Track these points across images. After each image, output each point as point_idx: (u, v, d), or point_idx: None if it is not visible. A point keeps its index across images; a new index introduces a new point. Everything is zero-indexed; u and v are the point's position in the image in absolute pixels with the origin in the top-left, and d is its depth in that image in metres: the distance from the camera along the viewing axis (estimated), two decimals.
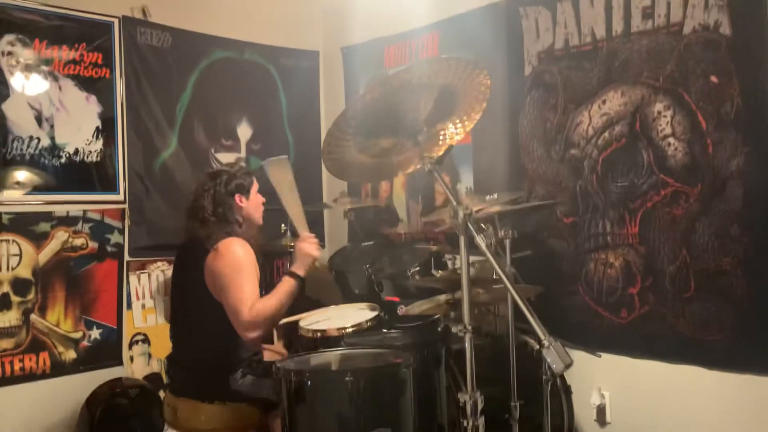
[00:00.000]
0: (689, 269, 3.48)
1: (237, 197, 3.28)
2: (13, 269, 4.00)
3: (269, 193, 3.41)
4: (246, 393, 3.14)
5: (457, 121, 2.52)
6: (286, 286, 3.12)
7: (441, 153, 2.52)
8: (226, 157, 4.93)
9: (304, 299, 4.59)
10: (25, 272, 4.04)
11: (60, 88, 4.19)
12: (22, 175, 4.05)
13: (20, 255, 4.03)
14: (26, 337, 4.03)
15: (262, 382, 3.12)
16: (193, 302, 3.20)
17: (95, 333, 4.29)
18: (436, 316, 3.51)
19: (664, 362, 3.59)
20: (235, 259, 3.08)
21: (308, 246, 3.21)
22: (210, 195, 3.25)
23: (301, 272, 3.16)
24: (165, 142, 4.65)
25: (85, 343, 4.25)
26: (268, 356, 3.45)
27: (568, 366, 1.95)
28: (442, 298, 3.32)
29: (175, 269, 3.50)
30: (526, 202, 4.07)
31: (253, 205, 3.35)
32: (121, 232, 4.42)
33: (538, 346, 3.42)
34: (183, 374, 3.27)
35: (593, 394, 3.85)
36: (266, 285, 3.63)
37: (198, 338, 3.20)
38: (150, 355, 4.52)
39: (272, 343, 4.15)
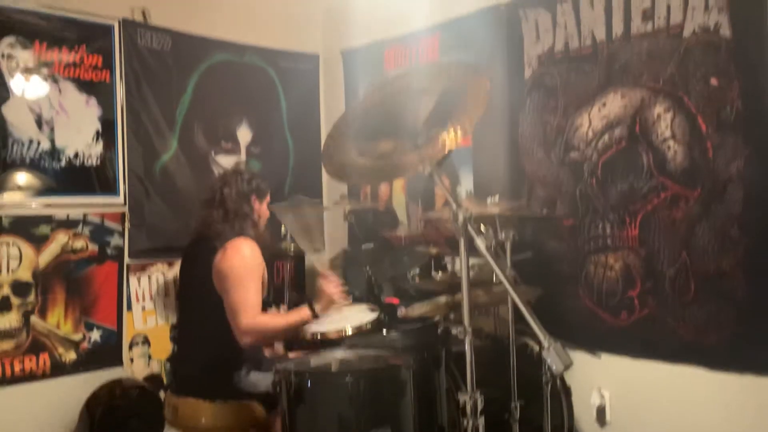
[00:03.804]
0: (689, 272, 3.48)
1: (253, 197, 3.34)
2: (13, 272, 4.00)
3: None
4: (252, 389, 3.16)
5: (457, 124, 2.52)
6: (300, 316, 3.20)
7: (441, 156, 2.52)
8: (226, 160, 4.93)
9: (305, 300, 4.59)
10: (25, 274, 4.04)
11: (60, 91, 4.18)
12: (22, 178, 4.05)
13: (20, 257, 4.02)
14: (26, 338, 4.03)
15: (266, 376, 3.14)
16: (198, 301, 3.23)
17: (95, 335, 4.29)
18: (436, 318, 3.51)
19: (664, 363, 3.59)
20: (242, 261, 3.12)
21: (332, 289, 3.27)
22: (235, 187, 3.32)
23: (320, 313, 3.23)
24: (165, 145, 4.65)
25: (85, 344, 4.25)
26: (268, 353, 3.49)
27: (567, 367, 1.95)
28: (442, 300, 3.32)
29: (182, 269, 3.52)
30: (526, 206, 4.08)
31: (263, 211, 3.42)
32: (121, 234, 4.41)
33: (538, 348, 3.42)
34: (185, 373, 3.28)
35: (593, 395, 3.85)
36: (272, 285, 3.66)
37: (201, 336, 3.22)
38: (150, 357, 4.51)
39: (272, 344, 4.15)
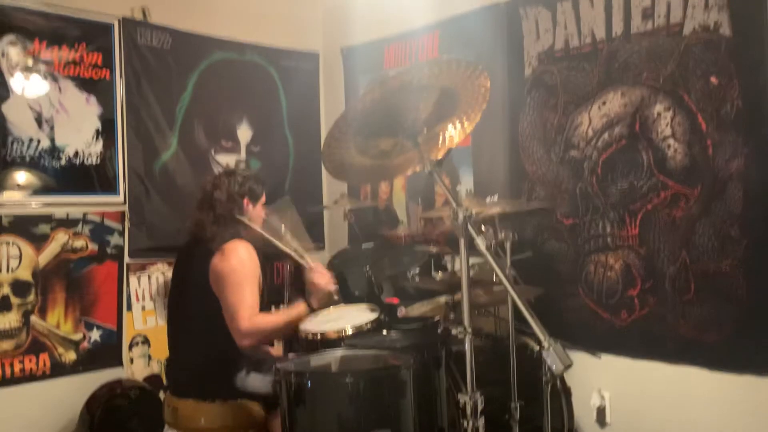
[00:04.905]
0: (689, 271, 3.48)
1: (245, 200, 3.31)
2: (13, 271, 3.99)
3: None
4: (252, 390, 3.15)
5: (457, 122, 2.52)
6: (297, 312, 3.22)
7: (441, 155, 2.52)
8: (226, 159, 4.93)
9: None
10: (25, 274, 4.04)
11: (60, 90, 4.18)
12: (22, 176, 4.05)
13: (20, 257, 4.02)
14: (26, 338, 4.03)
15: (267, 378, 3.13)
16: (196, 302, 3.21)
17: (95, 334, 4.29)
18: (436, 318, 3.51)
19: (664, 363, 3.59)
20: (240, 264, 3.11)
21: (322, 279, 3.28)
22: (225, 189, 3.28)
23: (316, 306, 3.24)
24: (165, 143, 4.64)
25: (85, 344, 4.25)
26: (273, 351, 3.49)
27: (567, 367, 1.95)
28: (442, 299, 3.32)
29: (177, 270, 3.50)
30: (525, 204, 4.07)
31: (257, 213, 3.38)
32: (121, 233, 4.41)
33: (538, 348, 3.42)
34: (183, 374, 3.27)
35: (593, 396, 3.85)
36: (267, 287, 3.64)
37: (200, 338, 3.21)
38: (150, 357, 4.52)
39: (272, 344, 4.14)
